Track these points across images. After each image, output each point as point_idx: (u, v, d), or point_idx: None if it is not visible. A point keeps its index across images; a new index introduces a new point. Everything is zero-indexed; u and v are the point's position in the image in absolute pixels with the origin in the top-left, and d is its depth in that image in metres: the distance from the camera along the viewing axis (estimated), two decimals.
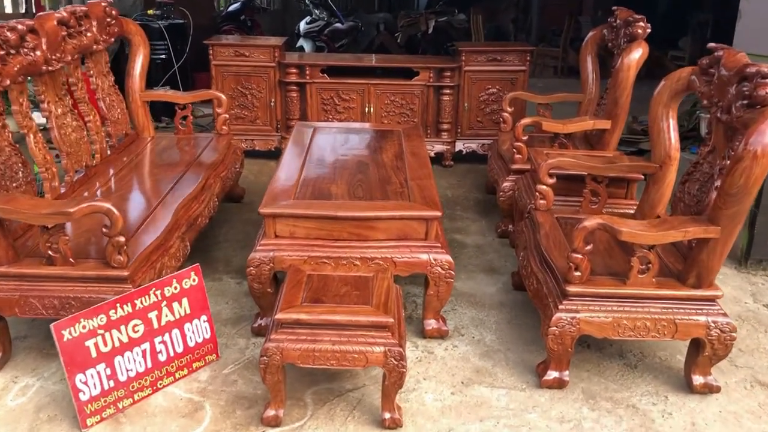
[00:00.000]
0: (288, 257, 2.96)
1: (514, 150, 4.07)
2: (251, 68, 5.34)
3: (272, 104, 5.41)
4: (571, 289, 2.69)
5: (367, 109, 5.35)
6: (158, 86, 6.58)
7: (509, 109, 4.68)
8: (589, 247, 2.66)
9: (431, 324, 3.13)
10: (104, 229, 2.68)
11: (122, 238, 2.68)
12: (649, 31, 3.84)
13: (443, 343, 3.10)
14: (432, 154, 5.41)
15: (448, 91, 5.32)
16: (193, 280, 2.86)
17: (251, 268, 2.99)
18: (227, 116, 4.44)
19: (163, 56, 6.65)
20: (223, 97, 4.41)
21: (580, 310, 2.70)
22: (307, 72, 5.28)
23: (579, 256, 2.66)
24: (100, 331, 2.58)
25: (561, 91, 4.84)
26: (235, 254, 3.90)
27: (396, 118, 5.41)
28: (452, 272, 3.01)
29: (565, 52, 10.75)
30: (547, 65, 11.66)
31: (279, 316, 2.44)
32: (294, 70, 5.30)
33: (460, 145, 5.51)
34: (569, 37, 10.72)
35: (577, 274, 2.68)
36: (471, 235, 4.27)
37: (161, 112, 6.59)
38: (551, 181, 3.32)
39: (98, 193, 3.50)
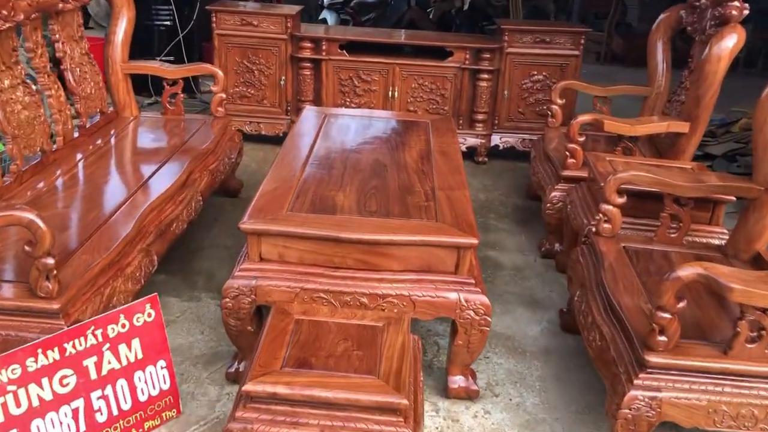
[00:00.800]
0: (275, 288, 2.27)
1: (567, 153, 3.33)
2: (260, 40, 4.62)
3: (282, 83, 4.70)
4: (653, 359, 1.96)
5: (390, 93, 4.62)
6: (161, 56, 5.90)
7: (559, 101, 3.92)
8: (682, 305, 1.92)
9: (457, 382, 2.43)
10: (26, 248, 2.00)
11: (50, 260, 2.00)
12: (746, 12, 3.05)
13: (472, 407, 2.40)
14: (463, 148, 4.67)
15: (485, 75, 4.56)
16: (149, 315, 2.18)
17: (227, 299, 2.30)
18: (224, 96, 3.74)
19: (168, 23, 5.95)
20: (220, 73, 3.70)
21: (664, 389, 1.98)
22: (324, 47, 4.55)
23: (667, 316, 1.92)
24: (11, 387, 1.91)
25: (607, 81, 4.10)
26: (221, 266, 3.21)
27: (423, 105, 4.67)
28: (488, 318, 2.30)
29: (610, 37, 9.90)
30: (589, 50, 10.76)
31: (248, 386, 1.75)
32: (308, 45, 4.57)
33: (496, 139, 4.76)
34: (615, 21, 9.87)
35: (663, 339, 1.95)
36: (508, 252, 3.55)
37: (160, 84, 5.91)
38: (620, 200, 2.58)
39: (58, 184, 2.82)
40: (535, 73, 4.61)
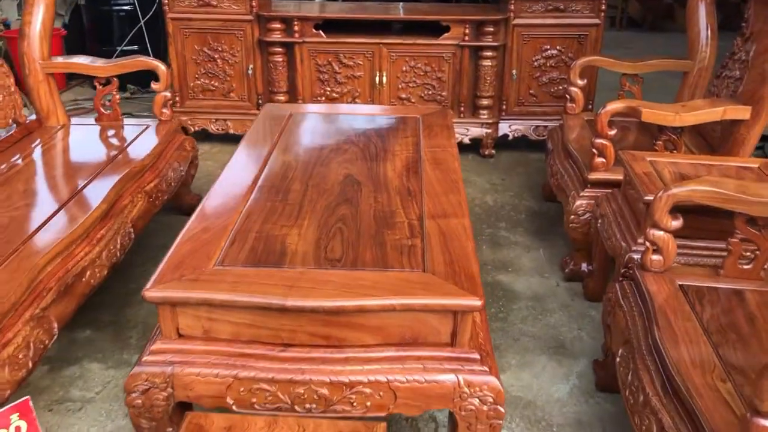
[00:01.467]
0: (199, 378, 1.61)
1: (594, 150, 2.63)
2: (221, 23, 3.93)
3: (250, 72, 4.00)
4: None
5: (377, 78, 3.92)
6: (122, 46, 5.22)
7: (579, 82, 3.21)
8: None
9: None
10: None
11: None
12: None
13: None
14: (466, 140, 3.98)
15: (489, 53, 3.84)
16: (16, 429, 1.53)
17: (134, 395, 1.65)
18: (168, 95, 3.05)
19: (128, 7, 5.25)
20: (162, 66, 3.02)
21: None
22: (296, 28, 3.85)
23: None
24: None
25: (624, 49, 3.37)
26: None
27: (417, 92, 3.96)
28: (501, 409, 1.63)
29: (625, 0, 9.11)
30: None
31: None
32: (278, 26, 3.87)
33: (504, 128, 4.06)
34: None
35: None
36: (524, 274, 2.87)
37: (128, 76, 5.23)
38: (675, 224, 1.89)
39: None
40: (548, 47, 3.89)
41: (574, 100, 3.24)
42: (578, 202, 2.67)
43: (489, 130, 3.99)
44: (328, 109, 2.94)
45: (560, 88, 3.95)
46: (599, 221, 2.50)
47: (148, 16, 5.24)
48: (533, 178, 3.79)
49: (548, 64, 3.92)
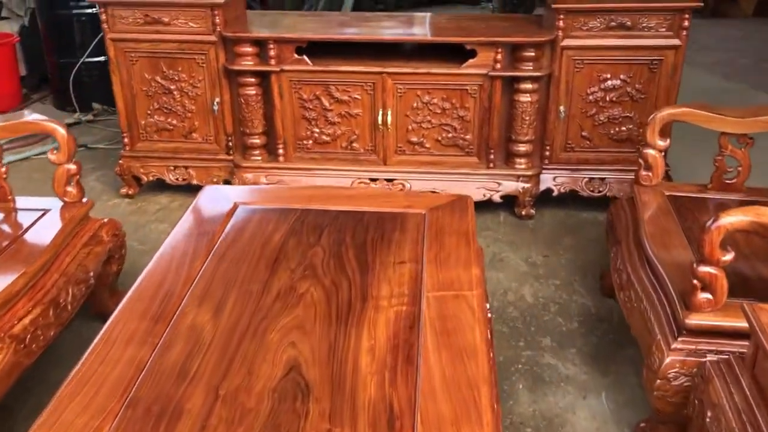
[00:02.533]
0: None
1: (696, 282, 1.67)
2: (176, 45, 3.01)
3: (216, 107, 3.09)
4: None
5: (380, 117, 2.97)
6: (85, 57, 4.32)
7: (660, 143, 2.24)
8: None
9: None
10: None
11: None
12: None
13: None
14: (497, 197, 3.03)
15: (529, 85, 2.87)
16: None
17: None
18: (73, 168, 2.16)
19: (91, 10, 4.34)
20: (61, 130, 2.13)
21: None
22: (272, 52, 2.91)
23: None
24: None
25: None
26: None
27: (433, 134, 3.02)
28: None
29: None
30: None
31: None
32: (249, 49, 2.93)
33: (548, 180, 3.09)
34: None
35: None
36: None
37: (93, 93, 4.36)
38: None
39: None
40: (609, 76, 2.90)
41: (651, 167, 2.27)
42: (668, 360, 1.71)
43: (527, 185, 3.03)
44: (290, 199, 2.00)
45: (624, 129, 2.97)
46: (708, 414, 1.55)
47: None
48: (587, 253, 2.83)
49: (608, 99, 2.93)
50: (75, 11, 4.38)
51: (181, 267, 1.65)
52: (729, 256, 1.64)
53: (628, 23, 2.80)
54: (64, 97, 4.48)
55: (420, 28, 3.15)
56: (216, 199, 1.97)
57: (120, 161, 3.23)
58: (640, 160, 2.30)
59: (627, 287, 2.06)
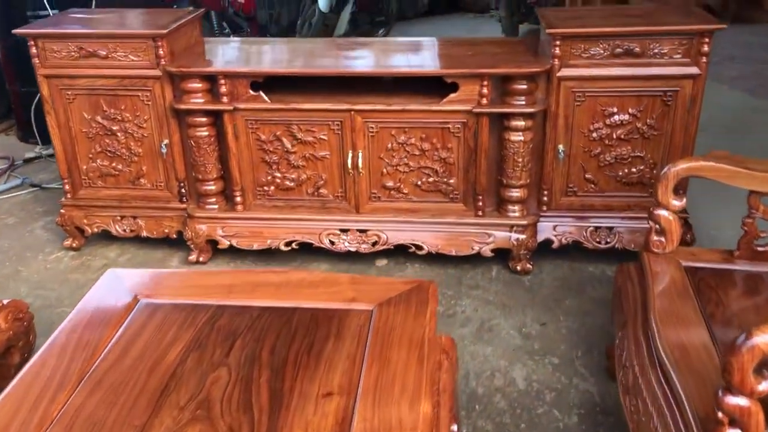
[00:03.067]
0: None
1: (721, 415, 1.24)
2: (117, 81, 2.63)
3: (164, 150, 2.70)
4: None
5: (350, 160, 2.57)
6: None
7: (675, 203, 1.82)
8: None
9: None
10: None
11: None
12: None
13: None
14: (487, 250, 2.62)
15: (521, 122, 2.45)
16: None
17: None
18: None
19: None
20: None
21: None
22: (224, 88, 2.53)
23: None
24: None
25: None
26: None
27: (411, 178, 2.61)
28: None
29: None
30: None
31: None
32: (198, 85, 2.55)
33: (547, 229, 2.66)
34: None
35: None
36: None
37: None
38: None
39: None
40: (615, 110, 2.47)
41: (665, 232, 1.85)
42: None
43: (522, 236, 2.60)
44: (205, 290, 1.59)
45: (634, 170, 2.55)
46: None
47: None
48: (593, 318, 2.41)
49: (615, 136, 2.51)
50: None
51: (39, 401, 1.26)
52: (766, 385, 1.21)
53: (637, 49, 2.37)
54: (28, 128, 4.13)
55: (396, 56, 2.74)
56: (113, 289, 1.58)
57: (61, 210, 2.86)
58: (650, 223, 1.88)
59: (633, 393, 1.64)
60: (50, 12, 3.89)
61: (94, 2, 4.00)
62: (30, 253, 2.96)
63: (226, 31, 4.98)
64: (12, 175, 3.80)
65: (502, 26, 7.07)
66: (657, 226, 1.87)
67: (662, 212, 1.85)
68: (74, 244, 2.92)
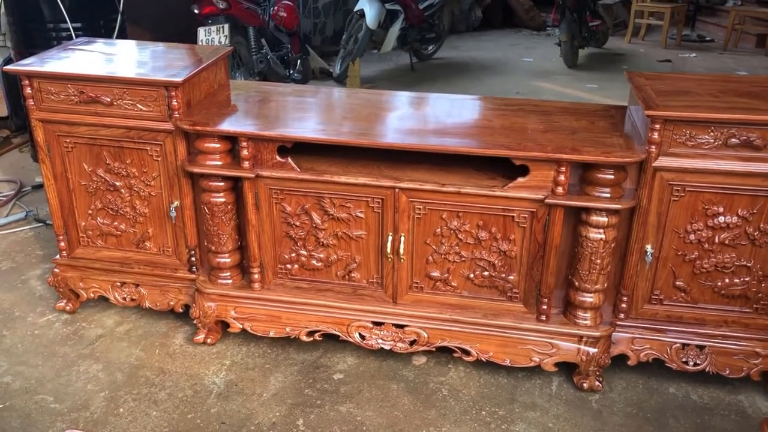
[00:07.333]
0: None
1: None
2: (122, 132, 2.24)
3: (174, 213, 2.30)
4: None
5: (389, 244, 2.14)
6: None
7: None
8: None
9: None
10: None
11: None
12: None
13: None
14: (549, 363, 2.16)
15: (603, 218, 1.99)
16: None
17: None
18: None
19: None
20: None
21: None
22: (245, 152, 2.11)
23: None
24: None
25: None
26: None
27: (462, 270, 2.17)
28: None
29: None
30: (747, 33, 7.78)
31: None
32: (216, 146, 2.14)
33: (622, 342, 2.20)
34: None
35: None
36: None
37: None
38: None
39: None
40: (721, 210, 2.00)
41: None
42: None
43: (594, 349, 2.15)
44: None
45: (737, 282, 2.07)
46: None
47: None
48: None
49: (717, 240, 2.03)
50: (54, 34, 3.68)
51: None
52: None
53: (757, 141, 1.89)
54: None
55: (452, 122, 2.28)
56: None
57: (55, 269, 2.49)
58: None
59: None
60: (69, 25, 3.53)
61: (119, 20, 3.64)
62: (19, 311, 2.60)
63: (263, 50, 4.58)
64: (17, 204, 3.45)
65: (561, 50, 6.59)
66: None
67: None
68: (68, 308, 2.55)
